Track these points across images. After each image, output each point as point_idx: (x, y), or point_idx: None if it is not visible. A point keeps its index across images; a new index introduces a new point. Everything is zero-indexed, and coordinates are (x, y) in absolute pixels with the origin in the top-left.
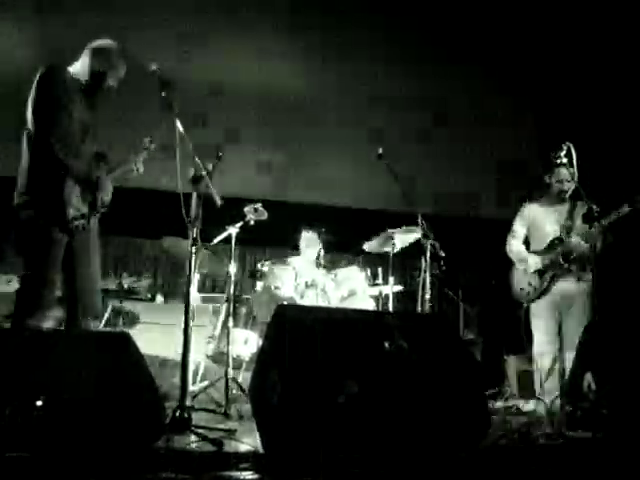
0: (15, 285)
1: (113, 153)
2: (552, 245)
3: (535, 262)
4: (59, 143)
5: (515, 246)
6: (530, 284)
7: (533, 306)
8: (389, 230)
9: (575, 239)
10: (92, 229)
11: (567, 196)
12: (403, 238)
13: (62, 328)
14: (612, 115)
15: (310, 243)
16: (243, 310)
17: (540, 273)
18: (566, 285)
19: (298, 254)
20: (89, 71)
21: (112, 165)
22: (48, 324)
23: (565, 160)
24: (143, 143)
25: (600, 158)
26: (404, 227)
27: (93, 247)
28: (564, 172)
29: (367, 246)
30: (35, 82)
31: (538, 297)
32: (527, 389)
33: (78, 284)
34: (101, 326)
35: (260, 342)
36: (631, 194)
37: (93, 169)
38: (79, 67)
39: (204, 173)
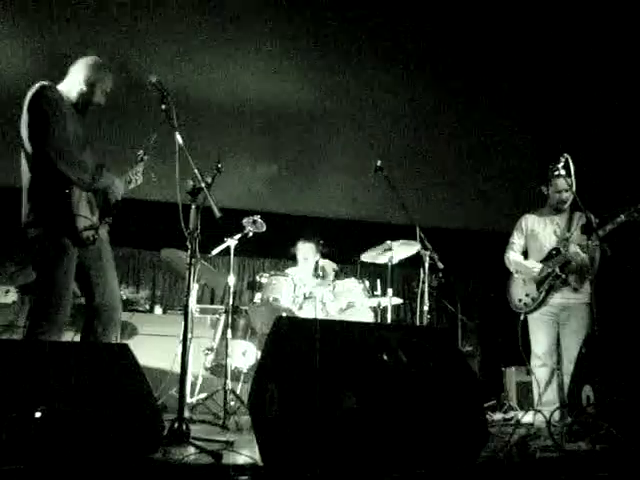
0: (13, 296)
1: (112, 167)
2: (550, 256)
3: (534, 266)
4: (56, 153)
5: (513, 256)
6: (527, 295)
7: (531, 317)
8: (387, 242)
9: (573, 250)
10: (103, 240)
11: (566, 207)
12: (401, 249)
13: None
14: (609, 126)
15: (308, 254)
16: (241, 322)
17: (537, 284)
18: (564, 296)
19: (295, 265)
20: (78, 87)
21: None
22: (59, 336)
23: (563, 172)
24: (137, 156)
25: (598, 169)
26: (402, 240)
27: (107, 259)
28: (562, 182)
29: (365, 258)
30: (27, 101)
31: (535, 308)
32: (526, 401)
33: (97, 299)
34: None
35: (258, 354)
36: (627, 205)
37: (97, 180)
38: (67, 85)
39: (203, 185)
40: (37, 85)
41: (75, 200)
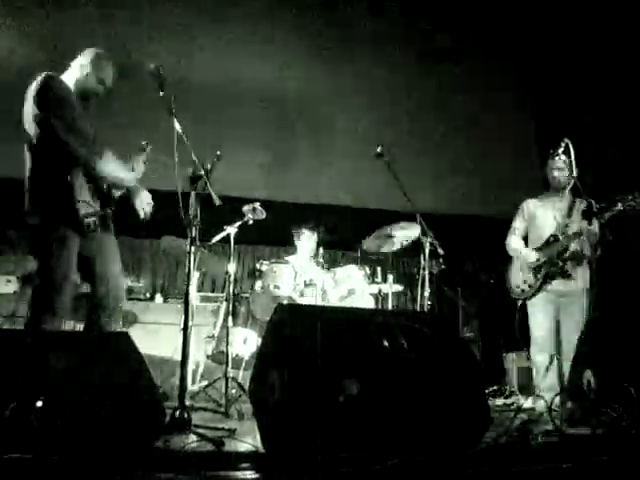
0: (14, 286)
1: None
2: (548, 243)
3: (532, 254)
4: (64, 126)
5: (514, 242)
6: (525, 282)
7: (530, 304)
8: (387, 227)
9: (571, 235)
10: (107, 231)
11: (565, 188)
12: (402, 235)
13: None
14: (611, 112)
15: (308, 241)
16: (242, 309)
17: (535, 270)
18: (561, 283)
19: (295, 253)
20: (76, 76)
21: None
22: (59, 325)
23: (563, 156)
24: (141, 146)
25: (599, 154)
26: (402, 223)
27: (111, 249)
28: (555, 161)
29: (365, 245)
30: (33, 90)
31: (533, 295)
32: (527, 386)
33: (101, 289)
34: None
35: (259, 341)
36: (624, 193)
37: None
38: (67, 76)
39: (202, 172)
40: (43, 75)
41: (77, 186)
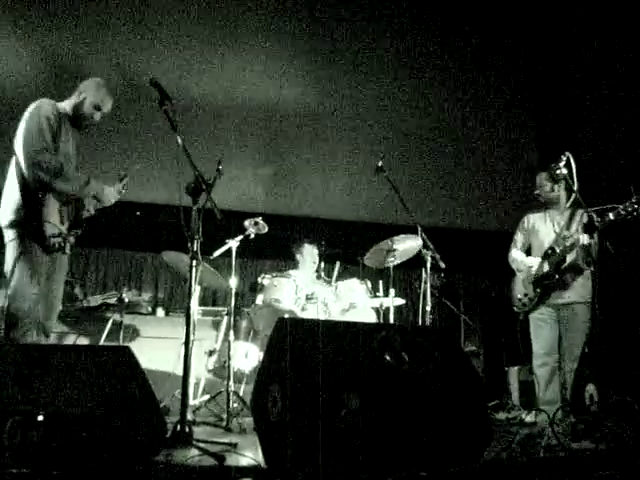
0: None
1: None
2: (546, 255)
3: (531, 263)
4: (37, 155)
5: (515, 254)
6: (526, 295)
7: (531, 317)
8: (388, 240)
9: (567, 247)
10: (66, 251)
11: (555, 203)
12: (403, 248)
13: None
14: (612, 124)
15: (309, 255)
16: (244, 323)
17: (534, 284)
18: (562, 296)
19: (296, 267)
20: (72, 103)
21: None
22: (32, 338)
23: (565, 170)
24: (119, 175)
25: (601, 165)
26: (402, 235)
27: (61, 271)
28: (538, 177)
29: (367, 258)
30: (26, 113)
31: (534, 308)
32: (529, 400)
33: (42, 304)
34: (102, 340)
35: (261, 355)
36: (615, 204)
37: (82, 188)
38: (70, 103)
39: (204, 187)
40: (38, 101)
41: (46, 208)
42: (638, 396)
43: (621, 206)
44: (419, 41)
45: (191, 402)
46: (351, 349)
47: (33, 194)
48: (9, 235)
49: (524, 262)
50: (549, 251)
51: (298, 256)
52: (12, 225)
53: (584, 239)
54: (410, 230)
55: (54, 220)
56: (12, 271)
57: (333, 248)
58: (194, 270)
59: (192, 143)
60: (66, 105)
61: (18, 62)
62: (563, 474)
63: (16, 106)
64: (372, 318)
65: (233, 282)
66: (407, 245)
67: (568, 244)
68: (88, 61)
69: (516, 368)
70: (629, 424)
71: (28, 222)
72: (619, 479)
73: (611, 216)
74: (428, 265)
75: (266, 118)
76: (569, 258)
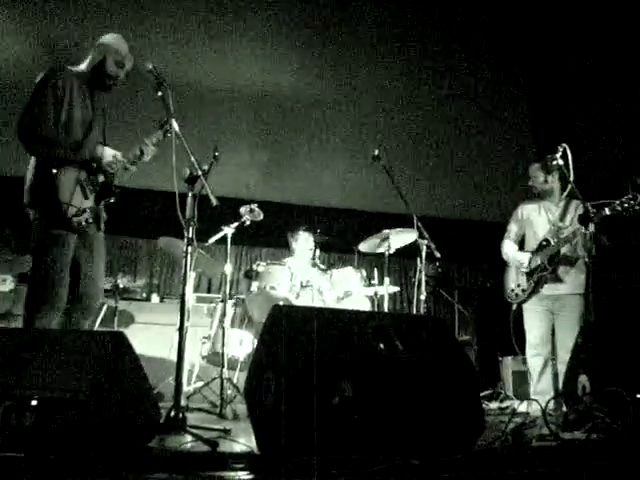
0: (10, 285)
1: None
2: (540, 247)
3: (522, 260)
4: (27, 129)
5: (508, 246)
6: (519, 285)
7: (525, 307)
8: (384, 231)
9: (562, 239)
10: (99, 227)
11: (549, 193)
12: (398, 239)
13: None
14: (608, 117)
15: (304, 243)
16: (238, 310)
17: (528, 275)
18: (555, 287)
19: (291, 255)
20: (90, 63)
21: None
22: (55, 321)
23: (561, 162)
24: (160, 121)
25: (595, 158)
26: (399, 228)
27: (98, 247)
28: (531, 168)
29: (362, 246)
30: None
31: (526, 299)
32: (522, 390)
33: (81, 287)
34: (97, 326)
35: (255, 342)
36: (612, 198)
37: (74, 153)
38: (84, 63)
39: (200, 173)
40: (45, 71)
41: (61, 185)
42: (629, 387)
43: (617, 201)
44: (417, 30)
45: (185, 388)
46: (345, 337)
47: (46, 172)
48: (32, 215)
49: (515, 257)
50: (543, 242)
51: (293, 243)
52: (31, 205)
53: (589, 231)
54: (406, 219)
55: (75, 197)
56: (36, 252)
57: (328, 236)
58: (189, 256)
59: (188, 129)
60: (84, 67)
61: (13, 47)
62: (555, 464)
63: (10, 90)
64: (367, 306)
65: (228, 269)
66: (403, 238)
67: (563, 236)
68: (84, 46)
69: (510, 358)
70: (620, 415)
71: (45, 203)
72: (610, 469)
73: (607, 211)
74: (423, 254)
75: (263, 105)
76: (563, 250)
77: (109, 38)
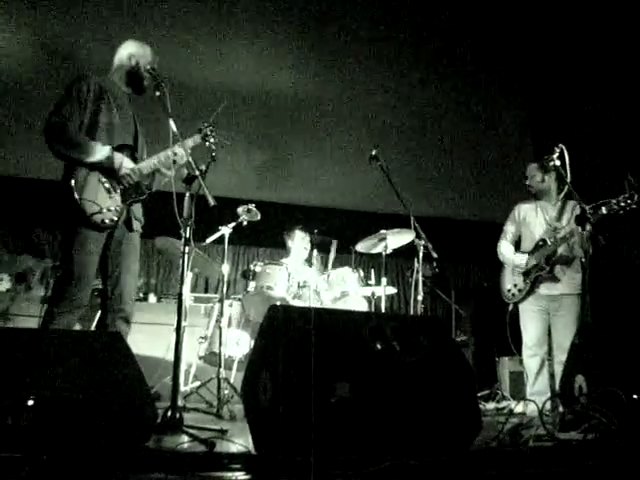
0: (6, 284)
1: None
2: (537, 247)
3: (518, 262)
4: (51, 130)
5: (504, 247)
6: (515, 285)
7: (521, 308)
8: (382, 231)
9: (559, 239)
10: (131, 226)
11: (546, 193)
12: (396, 239)
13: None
14: (606, 119)
15: (300, 243)
16: (235, 310)
17: (525, 275)
18: (552, 288)
19: (288, 255)
20: (125, 70)
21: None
22: (74, 320)
23: (558, 162)
24: (200, 127)
25: (594, 158)
26: (396, 229)
27: (130, 250)
28: (528, 168)
29: (360, 246)
30: None
31: (523, 299)
32: (518, 390)
33: (108, 288)
34: (93, 325)
35: (252, 342)
36: (609, 198)
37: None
38: (122, 71)
39: (197, 173)
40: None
41: (81, 183)
42: (626, 387)
43: (614, 200)
44: (415, 31)
45: (182, 388)
46: (342, 337)
47: (70, 171)
48: (59, 215)
49: (513, 260)
50: (540, 242)
51: (289, 242)
52: (56, 204)
53: (586, 231)
54: (403, 219)
55: (96, 195)
56: (61, 250)
57: (325, 236)
58: (186, 256)
59: (185, 129)
60: (116, 75)
61: (11, 46)
62: (551, 464)
63: (9, 91)
64: (364, 307)
65: (225, 269)
66: (400, 238)
67: (559, 236)
68: (82, 45)
69: (506, 358)
70: (617, 415)
71: (65, 201)
72: (606, 469)
73: (604, 210)
74: (420, 255)
75: (260, 105)
76: (561, 250)
77: (132, 45)
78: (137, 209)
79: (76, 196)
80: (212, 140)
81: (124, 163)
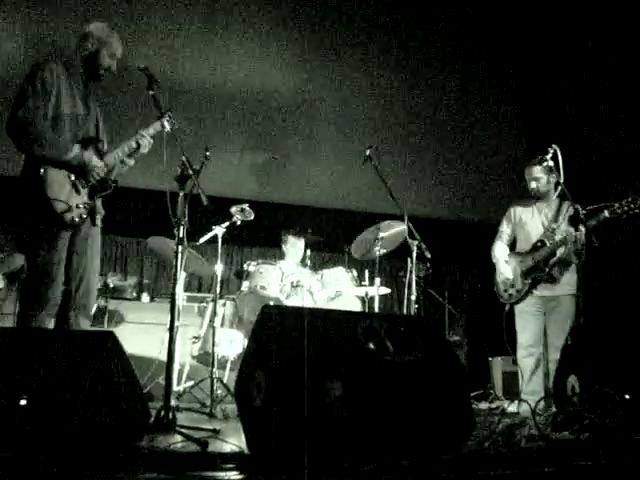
0: None
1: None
2: (535, 248)
3: (505, 270)
4: (18, 125)
5: (498, 249)
6: (513, 286)
7: (517, 308)
8: (373, 227)
9: (557, 241)
10: (95, 222)
11: (546, 195)
12: (389, 234)
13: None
14: (600, 119)
15: (295, 243)
16: (229, 310)
17: (523, 276)
18: (549, 288)
19: (282, 257)
20: (82, 54)
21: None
22: (49, 320)
23: (551, 163)
24: (162, 113)
25: (589, 160)
26: (388, 221)
27: (93, 245)
28: (530, 170)
29: (353, 247)
30: None
31: (520, 299)
32: (512, 391)
33: (71, 284)
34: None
35: (245, 342)
36: (611, 202)
37: (67, 156)
38: (81, 55)
39: (191, 172)
40: (33, 63)
41: (49, 180)
42: (618, 387)
43: (617, 204)
44: (409, 31)
45: (175, 388)
46: (336, 337)
47: (35, 168)
48: (22, 213)
49: (500, 267)
50: (538, 243)
51: (283, 246)
52: (20, 202)
53: (580, 233)
54: (397, 219)
55: (65, 193)
56: (28, 251)
57: (319, 236)
58: (180, 256)
59: (179, 128)
60: (74, 56)
61: (4, 45)
62: (544, 464)
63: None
64: (357, 307)
65: (218, 269)
66: (393, 231)
67: (557, 238)
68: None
69: (499, 358)
70: (609, 415)
71: (33, 199)
72: (598, 469)
73: (606, 213)
74: (414, 255)
75: (254, 105)
76: (559, 252)
77: (100, 30)
78: (98, 202)
79: (48, 194)
80: (171, 127)
81: (93, 162)
